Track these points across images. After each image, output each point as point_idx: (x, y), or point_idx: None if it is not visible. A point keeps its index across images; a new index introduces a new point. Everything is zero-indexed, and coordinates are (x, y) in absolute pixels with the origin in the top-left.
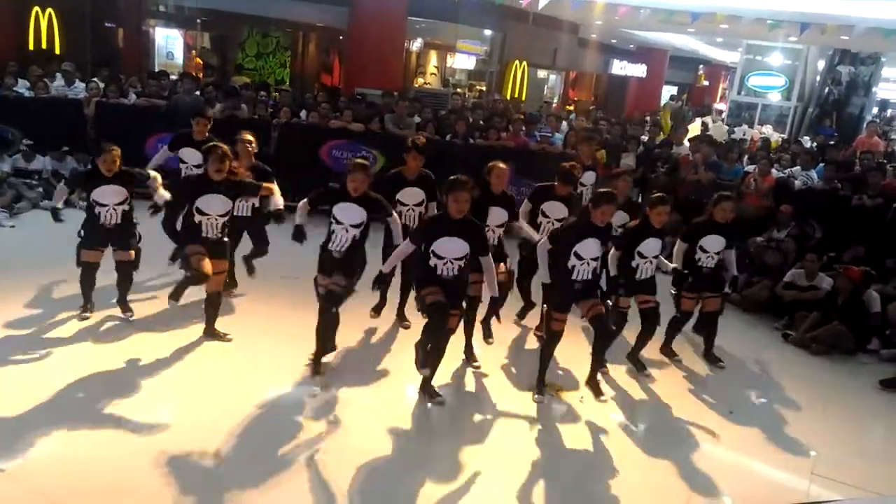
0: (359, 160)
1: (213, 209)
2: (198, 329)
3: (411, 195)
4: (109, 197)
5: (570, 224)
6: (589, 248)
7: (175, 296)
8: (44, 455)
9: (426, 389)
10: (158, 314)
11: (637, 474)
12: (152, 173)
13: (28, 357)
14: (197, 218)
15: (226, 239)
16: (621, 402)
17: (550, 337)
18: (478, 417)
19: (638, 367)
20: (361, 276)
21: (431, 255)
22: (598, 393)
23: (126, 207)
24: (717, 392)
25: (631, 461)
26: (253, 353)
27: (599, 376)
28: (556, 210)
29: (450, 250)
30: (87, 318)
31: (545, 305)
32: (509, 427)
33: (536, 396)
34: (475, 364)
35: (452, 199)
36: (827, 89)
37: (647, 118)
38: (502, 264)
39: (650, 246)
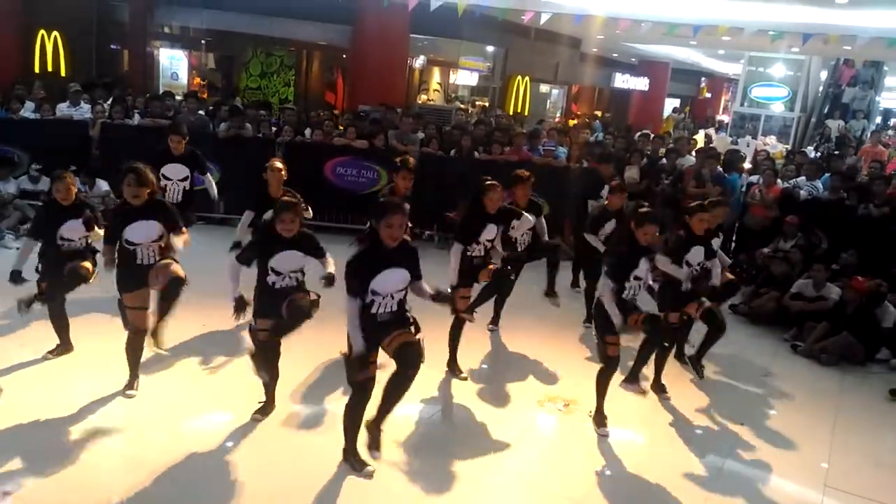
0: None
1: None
2: (202, 344)
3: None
4: (75, 232)
5: (622, 251)
6: (642, 268)
7: (131, 384)
8: (49, 478)
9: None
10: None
11: (647, 488)
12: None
13: (36, 379)
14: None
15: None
16: (631, 414)
17: (605, 364)
18: (483, 428)
19: (696, 368)
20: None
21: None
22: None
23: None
24: (728, 404)
25: (641, 475)
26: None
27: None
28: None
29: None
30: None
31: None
32: (517, 438)
33: (600, 429)
34: (462, 376)
35: (385, 224)
36: (815, 144)
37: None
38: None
39: (694, 255)
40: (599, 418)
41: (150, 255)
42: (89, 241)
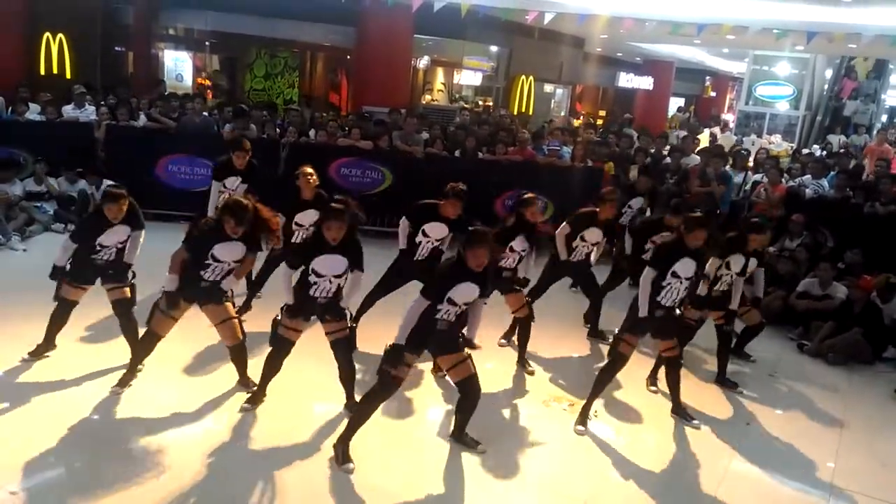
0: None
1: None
2: (203, 349)
3: (438, 230)
4: (111, 238)
5: (669, 243)
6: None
7: (125, 381)
8: (55, 477)
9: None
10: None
11: (652, 487)
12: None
13: (42, 381)
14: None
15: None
16: (635, 416)
17: (614, 360)
18: (488, 429)
19: (728, 384)
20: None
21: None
22: (688, 418)
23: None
24: (734, 403)
25: (646, 475)
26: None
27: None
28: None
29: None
30: (33, 361)
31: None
32: (522, 438)
33: (577, 426)
34: None
35: (472, 254)
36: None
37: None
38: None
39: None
40: (583, 417)
41: (219, 274)
42: (123, 248)
